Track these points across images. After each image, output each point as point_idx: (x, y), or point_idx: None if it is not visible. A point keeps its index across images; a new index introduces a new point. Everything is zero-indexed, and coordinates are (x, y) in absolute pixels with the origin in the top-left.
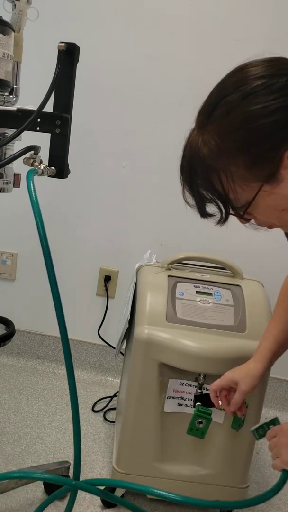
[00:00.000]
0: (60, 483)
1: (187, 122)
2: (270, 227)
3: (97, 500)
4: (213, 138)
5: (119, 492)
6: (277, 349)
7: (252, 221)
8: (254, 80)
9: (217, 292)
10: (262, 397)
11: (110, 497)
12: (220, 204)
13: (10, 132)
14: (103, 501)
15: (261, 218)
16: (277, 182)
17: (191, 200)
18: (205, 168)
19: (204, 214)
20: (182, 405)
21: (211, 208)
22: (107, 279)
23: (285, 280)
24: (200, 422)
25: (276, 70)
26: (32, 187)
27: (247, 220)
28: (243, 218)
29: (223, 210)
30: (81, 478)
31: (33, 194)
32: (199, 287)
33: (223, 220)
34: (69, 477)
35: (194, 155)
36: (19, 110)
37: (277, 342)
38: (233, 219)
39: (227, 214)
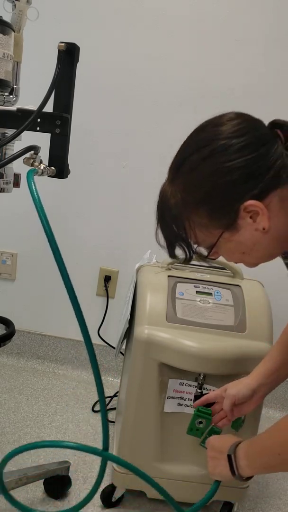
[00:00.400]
0: (87, 452)
1: (187, 122)
2: (237, 262)
3: (97, 500)
4: (179, 191)
5: (119, 492)
6: (271, 366)
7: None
8: (215, 141)
9: (217, 292)
10: None
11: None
12: (185, 248)
13: (10, 132)
14: (103, 501)
15: (226, 259)
16: (235, 230)
17: (162, 241)
18: (173, 217)
19: (172, 255)
20: (182, 405)
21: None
22: (107, 279)
23: None
24: (200, 422)
25: (237, 130)
26: (33, 187)
27: (217, 256)
28: (211, 258)
29: (187, 253)
30: (80, 478)
31: (35, 194)
32: (199, 287)
33: (188, 261)
34: (69, 477)
35: (164, 205)
36: (19, 110)
37: (272, 359)
38: None
39: (191, 256)
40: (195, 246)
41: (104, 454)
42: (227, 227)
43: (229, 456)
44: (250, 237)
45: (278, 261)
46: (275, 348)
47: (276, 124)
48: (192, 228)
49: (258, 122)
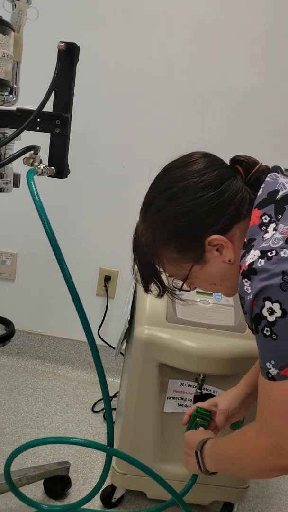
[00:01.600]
0: (94, 448)
1: (187, 122)
2: (214, 292)
3: (97, 500)
4: (149, 230)
5: (119, 493)
6: (255, 377)
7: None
8: (176, 184)
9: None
10: None
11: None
12: (158, 284)
13: (10, 132)
14: (103, 501)
15: (200, 288)
16: (204, 263)
17: (138, 277)
18: (144, 253)
19: (146, 290)
20: (182, 405)
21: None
22: (107, 279)
23: None
24: (199, 424)
25: (197, 170)
26: (33, 187)
27: (192, 287)
28: (185, 290)
29: (160, 289)
30: (80, 479)
31: (35, 194)
32: None
33: (160, 295)
34: (69, 477)
35: (137, 243)
36: (18, 110)
37: (258, 370)
38: None
39: (163, 292)
40: (171, 278)
41: (111, 450)
42: (196, 261)
43: (196, 453)
44: (219, 268)
45: None
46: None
47: (236, 161)
48: (164, 263)
49: (218, 160)
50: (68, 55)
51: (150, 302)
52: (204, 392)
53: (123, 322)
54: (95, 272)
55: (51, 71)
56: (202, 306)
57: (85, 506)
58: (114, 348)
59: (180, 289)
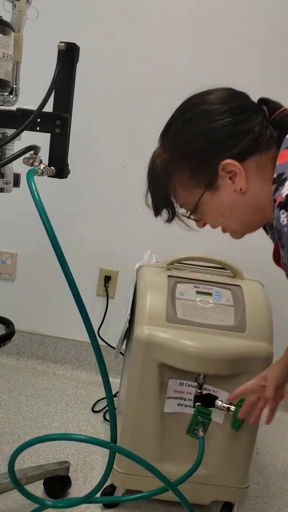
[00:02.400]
0: (98, 445)
1: None
2: (223, 231)
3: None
4: (166, 152)
5: (119, 493)
6: None
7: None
8: (197, 107)
9: (217, 292)
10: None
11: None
12: (168, 207)
13: (10, 132)
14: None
15: (209, 223)
16: (215, 190)
17: (149, 202)
18: (159, 176)
19: (156, 214)
20: (182, 405)
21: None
22: (107, 279)
23: None
24: (200, 423)
25: (219, 97)
26: (33, 187)
27: (202, 224)
28: (194, 219)
29: (170, 212)
30: (80, 479)
31: (35, 194)
32: (199, 287)
33: (170, 220)
34: (69, 477)
35: (152, 166)
36: (19, 110)
37: None
38: None
39: (173, 216)
40: (180, 209)
41: (114, 447)
42: (207, 187)
43: None
44: (229, 198)
45: None
46: None
47: (263, 101)
48: (176, 188)
49: (243, 94)
50: (68, 55)
51: (150, 302)
52: (204, 392)
53: (123, 322)
54: (95, 272)
55: (51, 71)
56: (202, 306)
57: (85, 506)
58: (114, 348)
59: (189, 217)
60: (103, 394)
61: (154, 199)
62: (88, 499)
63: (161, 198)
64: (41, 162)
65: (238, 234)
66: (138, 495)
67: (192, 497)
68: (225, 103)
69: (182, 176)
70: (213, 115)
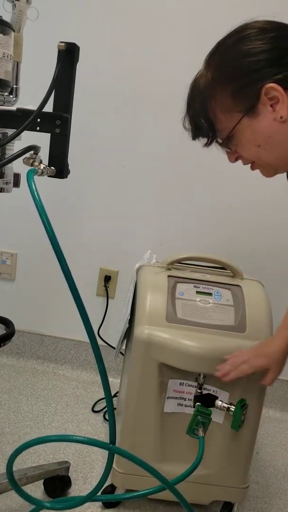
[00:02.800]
0: (96, 446)
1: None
2: (252, 167)
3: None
4: (210, 71)
5: (118, 493)
6: None
7: (239, 162)
8: (245, 30)
9: (217, 292)
10: (262, 397)
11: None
12: (208, 129)
13: (10, 132)
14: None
15: (243, 153)
16: (255, 116)
17: (187, 125)
18: (200, 96)
19: (194, 137)
20: (182, 405)
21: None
22: (107, 279)
23: None
24: (201, 422)
25: (267, 23)
26: (33, 187)
27: (234, 158)
28: (228, 149)
29: (210, 134)
30: (80, 479)
31: (35, 194)
32: (199, 287)
33: (208, 143)
34: (69, 477)
35: (194, 87)
36: (19, 110)
37: None
38: (232, 216)
39: (213, 138)
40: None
41: (112, 448)
42: (247, 111)
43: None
44: (268, 126)
45: (278, 261)
46: None
47: None
48: (216, 110)
49: None
50: (68, 55)
51: (150, 302)
52: (204, 392)
53: (123, 322)
54: (95, 272)
55: (51, 71)
56: (202, 306)
57: (85, 506)
58: (114, 348)
59: (222, 144)
60: (103, 394)
61: (194, 122)
62: (87, 500)
63: (201, 120)
64: (41, 162)
65: (270, 170)
66: (133, 494)
67: (192, 497)
68: (273, 30)
69: (223, 98)
70: (267, 38)
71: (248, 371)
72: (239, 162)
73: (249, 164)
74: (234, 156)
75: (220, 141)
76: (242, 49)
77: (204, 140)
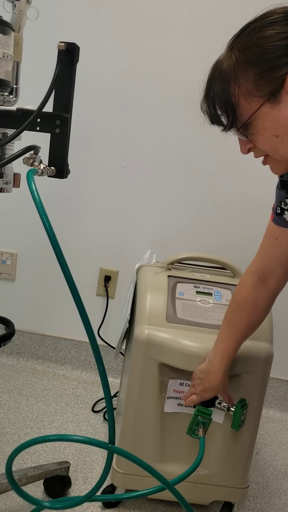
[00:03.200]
0: (95, 445)
1: (187, 122)
2: (265, 161)
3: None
4: (234, 54)
5: (118, 493)
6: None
7: (251, 155)
8: (278, 14)
9: (217, 292)
10: (262, 397)
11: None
12: (228, 112)
13: (10, 132)
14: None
15: (259, 143)
16: (276, 102)
17: (206, 109)
18: (222, 78)
19: (213, 121)
20: (182, 405)
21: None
22: (107, 279)
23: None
24: (201, 423)
25: None
26: (33, 187)
27: (247, 149)
28: (244, 136)
29: (230, 118)
30: (80, 479)
31: (35, 194)
32: (199, 287)
33: (228, 127)
34: (69, 477)
35: (216, 69)
36: (19, 110)
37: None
38: (233, 211)
39: (233, 122)
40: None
41: (112, 448)
42: (269, 97)
43: None
44: None
45: None
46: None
47: None
48: (236, 94)
49: None
50: (68, 55)
51: (150, 302)
52: None
53: (123, 322)
54: (95, 272)
55: (51, 71)
56: (202, 306)
57: (85, 506)
58: (114, 348)
59: (239, 130)
60: (103, 394)
61: (213, 105)
62: (87, 499)
63: (222, 103)
64: (41, 162)
65: (282, 164)
66: (133, 494)
67: (192, 497)
68: None
69: (246, 81)
70: None
71: (198, 401)
72: (244, 160)
73: (257, 159)
74: (247, 146)
75: (238, 127)
76: (269, 33)
77: (223, 124)
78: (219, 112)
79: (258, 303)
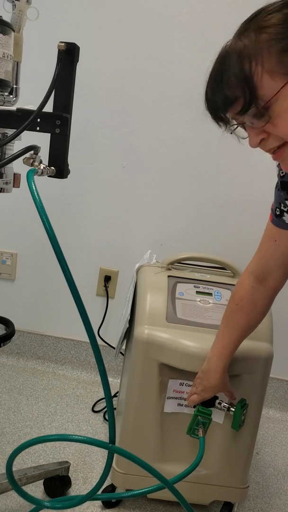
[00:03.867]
0: (95, 445)
1: (187, 122)
2: (280, 154)
3: (97, 500)
4: (251, 33)
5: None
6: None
7: (258, 149)
8: None
9: (217, 292)
10: (262, 397)
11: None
12: (246, 92)
13: (10, 132)
14: (103, 501)
15: (278, 128)
16: None
17: (218, 95)
18: (239, 57)
19: (227, 106)
20: (182, 405)
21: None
22: (107, 279)
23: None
24: (201, 423)
25: None
26: (33, 187)
27: (258, 140)
28: (263, 118)
29: (248, 99)
30: (80, 479)
31: (35, 194)
32: (199, 287)
33: (245, 108)
34: (69, 477)
35: (229, 51)
36: (19, 110)
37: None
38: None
39: (251, 101)
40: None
41: (112, 447)
42: None
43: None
44: None
45: None
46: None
47: None
48: (258, 71)
49: None
50: (68, 55)
51: (150, 302)
52: None
53: (123, 322)
54: (95, 272)
55: (51, 71)
56: (202, 306)
57: (85, 506)
58: (114, 348)
59: (258, 113)
60: (103, 394)
61: (229, 86)
62: (87, 499)
63: (240, 82)
64: (41, 162)
65: None
66: (132, 492)
67: (192, 497)
68: None
69: (268, 58)
70: None
71: (199, 401)
72: (244, 160)
73: (257, 159)
74: (260, 137)
75: (255, 112)
76: None
77: (238, 108)
78: (232, 96)
79: (256, 303)
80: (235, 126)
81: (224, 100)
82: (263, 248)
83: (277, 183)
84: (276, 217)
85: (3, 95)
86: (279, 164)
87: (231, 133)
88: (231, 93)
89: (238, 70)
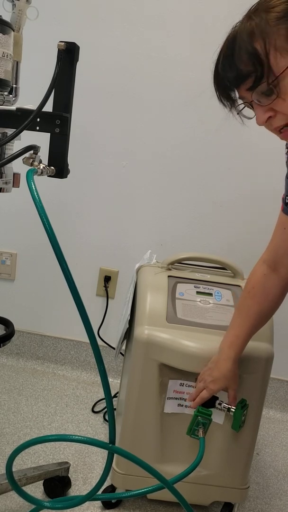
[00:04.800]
0: (95, 445)
1: (187, 121)
2: (282, 130)
3: (97, 501)
4: (260, 14)
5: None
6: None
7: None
8: None
9: (218, 293)
10: (262, 398)
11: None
12: (257, 67)
13: (10, 132)
14: (103, 502)
15: (283, 104)
16: None
17: (228, 70)
18: (250, 36)
19: (238, 81)
20: (182, 405)
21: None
22: (107, 279)
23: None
24: (201, 423)
25: None
26: (33, 187)
27: (266, 117)
28: (272, 94)
29: (258, 74)
30: (80, 479)
31: (35, 194)
32: (199, 287)
33: (256, 83)
34: (69, 478)
35: (240, 31)
36: (18, 109)
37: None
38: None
39: (261, 76)
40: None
41: (113, 448)
42: None
43: None
44: None
45: None
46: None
47: None
48: (268, 47)
49: None
50: (68, 55)
51: (150, 303)
52: None
53: (123, 322)
54: (95, 272)
55: (51, 71)
56: (202, 306)
57: (85, 506)
58: (114, 348)
59: (267, 90)
60: (103, 395)
61: (240, 60)
62: (87, 499)
63: (251, 58)
64: (40, 161)
65: None
66: (132, 493)
67: (193, 497)
68: None
69: (278, 36)
70: None
71: (208, 397)
72: (244, 160)
73: (257, 160)
74: (267, 114)
75: (265, 88)
76: None
77: (249, 84)
78: (244, 71)
79: (268, 291)
80: (242, 106)
81: (236, 76)
82: (275, 237)
83: (287, 172)
84: (286, 206)
85: (2, 94)
86: (287, 152)
87: (238, 113)
88: (243, 69)
89: (250, 47)
